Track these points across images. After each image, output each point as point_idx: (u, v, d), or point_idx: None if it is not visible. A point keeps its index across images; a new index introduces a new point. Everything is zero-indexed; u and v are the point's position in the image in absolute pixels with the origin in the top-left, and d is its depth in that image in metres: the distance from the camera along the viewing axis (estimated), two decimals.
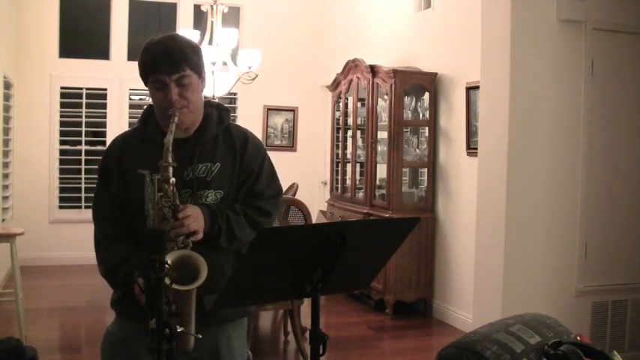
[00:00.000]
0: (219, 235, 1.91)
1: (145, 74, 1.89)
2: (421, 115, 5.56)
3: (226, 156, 1.98)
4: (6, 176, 6.35)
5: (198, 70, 1.92)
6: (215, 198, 1.94)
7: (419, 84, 5.48)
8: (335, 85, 6.40)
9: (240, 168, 1.99)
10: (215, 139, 1.98)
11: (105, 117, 7.28)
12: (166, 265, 1.59)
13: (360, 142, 6.03)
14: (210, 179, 1.93)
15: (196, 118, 1.95)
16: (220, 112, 2.03)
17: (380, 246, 1.74)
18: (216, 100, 5.44)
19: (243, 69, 5.47)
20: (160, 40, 1.90)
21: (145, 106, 2.05)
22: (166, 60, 1.84)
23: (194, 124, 1.95)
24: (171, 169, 1.79)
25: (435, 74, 5.47)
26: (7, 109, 6.43)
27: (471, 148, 4.94)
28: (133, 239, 1.90)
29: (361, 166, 6.07)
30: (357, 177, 6.13)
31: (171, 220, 1.79)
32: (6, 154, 6.40)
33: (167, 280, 1.60)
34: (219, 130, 2.00)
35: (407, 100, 5.49)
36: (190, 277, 1.72)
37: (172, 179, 1.80)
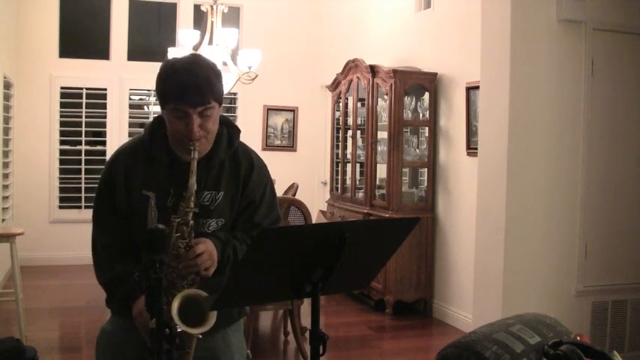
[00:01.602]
0: (227, 264, 1.92)
1: (166, 101, 1.83)
2: (421, 115, 5.56)
3: (230, 184, 1.96)
4: (6, 176, 6.35)
5: (220, 99, 1.89)
6: (216, 226, 1.94)
7: (419, 84, 5.48)
8: (335, 85, 6.40)
9: (242, 197, 1.99)
10: (222, 164, 1.96)
11: (105, 117, 7.27)
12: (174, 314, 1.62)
13: (360, 142, 6.03)
14: (214, 208, 1.93)
15: (210, 144, 1.93)
16: (230, 132, 2.00)
17: (380, 246, 1.74)
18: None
19: (243, 69, 5.47)
20: (185, 67, 1.83)
21: (153, 118, 2.00)
22: (193, 92, 1.79)
23: (206, 150, 1.93)
24: (191, 214, 1.79)
25: (435, 74, 5.47)
26: (7, 109, 6.43)
27: (471, 148, 4.93)
28: (133, 252, 1.90)
29: (361, 166, 6.07)
30: (357, 177, 6.13)
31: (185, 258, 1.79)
32: (6, 154, 6.40)
33: (177, 320, 1.62)
34: (227, 155, 1.97)
35: (407, 100, 5.49)
36: (197, 316, 1.73)
37: (191, 222, 1.79)
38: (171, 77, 1.82)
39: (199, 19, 6.92)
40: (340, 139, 6.53)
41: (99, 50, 7.41)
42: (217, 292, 1.71)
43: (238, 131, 2.03)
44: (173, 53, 5.23)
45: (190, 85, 1.79)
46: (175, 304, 1.70)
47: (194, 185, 1.79)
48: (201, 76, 1.81)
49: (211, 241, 1.86)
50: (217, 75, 1.88)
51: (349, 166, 6.32)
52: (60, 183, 7.21)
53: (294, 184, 6.15)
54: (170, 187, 1.88)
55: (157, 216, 1.80)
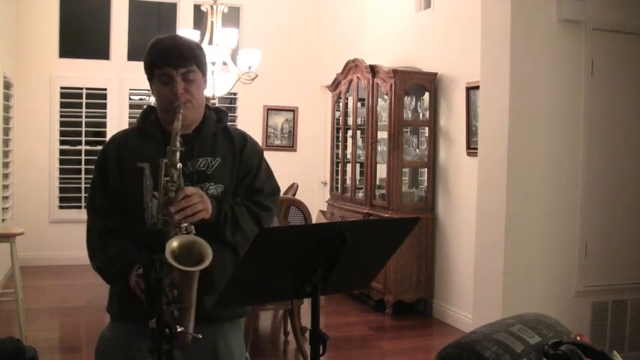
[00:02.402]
0: (225, 223, 1.91)
1: (152, 68, 1.92)
2: (421, 115, 5.56)
3: (226, 151, 2.01)
4: (6, 176, 6.35)
5: (203, 69, 1.98)
6: (216, 192, 1.95)
7: (419, 84, 5.48)
8: (335, 85, 6.40)
9: (239, 163, 2.02)
10: (214, 136, 2.02)
11: (105, 117, 7.29)
12: (170, 250, 1.60)
13: (360, 142, 6.04)
14: (211, 173, 1.95)
15: (198, 116, 1.99)
16: (218, 114, 2.07)
17: (380, 246, 1.74)
18: (216, 102, 5.45)
19: (243, 69, 5.47)
20: (168, 37, 1.96)
21: (145, 107, 2.07)
22: (175, 54, 1.89)
23: (195, 121, 1.98)
24: (178, 154, 1.81)
25: (435, 74, 5.47)
26: (7, 109, 6.43)
27: (471, 148, 4.94)
28: (130, 234, 1.90)
29: (361, 166, 6.08)
30: (357, 177, 6.13)
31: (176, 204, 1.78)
32: (6, 154, 6.40)
33: (170, 260, 1.61)
34: (217, 129, 2.03)
35: (407, 100, 5.49)
36: (194, 263, 1.71)
37: (179, 164, 1.81)
38: (156, 47, 1.94)
39: (199, 19, 6.93)
40: (340, 139, 6.53)
41: (99, 50, 7.42)
42: (216, 264, 1.72)
43: (226, 113, 2.10)
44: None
45: (173, 49, 1.90)
46: (171, 245, 1.67)
47: (179, 126, 1.82)
48: (184, 43, 1.94)
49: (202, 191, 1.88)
50: (200, 48, 1.98)
51: (349, 166, 6.32)
52: (60, 183, 7.22)
53: (294, 184, 6.15)
54: (164, 157, 1.90)
55: (153, 185, 1.80)
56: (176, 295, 1.65)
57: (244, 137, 2.08)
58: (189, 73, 1.90)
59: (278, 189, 2.15)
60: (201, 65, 1.95)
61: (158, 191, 1.78)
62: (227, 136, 2.05)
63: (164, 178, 1.78)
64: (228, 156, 2.00)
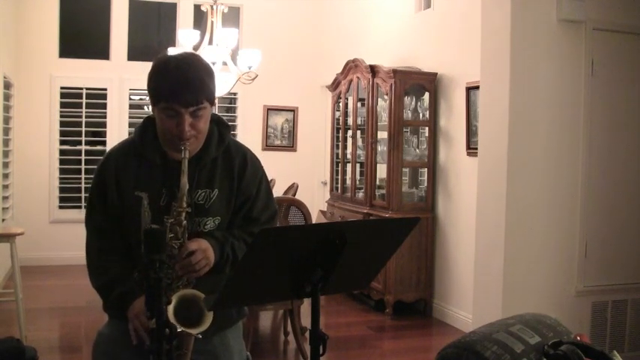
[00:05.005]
0: (226, 264, 1.91)
1: (158, 97, 1.81)
2: (421, 115, 5.56)
3: (225, 181, 1.95)
4: (6, 176, 6.35)
5: (212, 99, 1.88)
6: (213, 225, 1.93)
7: (419, 84, 5.47)
8: (335, 85, 6.40)
9: (237, 192, 1.98)
10: (214, 161, 1.96)
11: (105, 117, 7.28)
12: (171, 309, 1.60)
13: (360, 142, 6.03)
14: (209, 206, 1.91)
15: (200, 144, 1.92)
16: (220, 129, 2.00)
17: (380, 246, 1.74)
18: (216, 102, 5.44)
19: (243, 69, 5.47)
20: (178, 66, 1.80)
21: (143, 119, 1.99)
22: (186, 91, 1.77)
23: (197, 149, 1.92)
24: (184, 214, 1.78)
25: (435, 74, 5.47)
26: (7, 109, 6.43)
27: (471, 148, 4.93)
28: (128, 254, 1.90)
29: (361, 166, 6.08)
30: (357, 177, 6.13)
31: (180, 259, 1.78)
32: (6, 154, 6.40)
33: (172, 319, 1.61)
34: (219, 152, 1.97)
35: (407, 100, 5.49)
36: (194, 316, 1.73)
37: (184, 222, 1.79)
38: (164, 75, 1.81)
39: (199, 19, 6.93)
40: (340, 139, 6.53)
41: (99, 50, 7.41)
42: (216, 292, 1.71)
43: (228, 128, 2.03)
44: (173, 53, 5.23)
45: (183, 85, 1.77)
46: (171, 305, 1.69)
47: (186, 185, 1.78)
48: (194, 76, 1.80)
49: (206, 241, 1.85)
50: (210, 74, 1.86)
51: (349, 166, 6.32)
52: (60, 183, 7.21)
53: (294, 184, 6.15)
54: (162, 187, 1.87)
55: (151, 217, 1.79)
56: (176, 343, 1.65)
57: (244, 159, 2.01)
58: (199, 110, 1.80)
59: (275, 213, 2.10)
60: (211, 97, 1.85)
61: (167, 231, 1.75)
62: (227, 158, 1.98)
63: (168, 236, 1.76)
64: (226, 186, 1.95)
